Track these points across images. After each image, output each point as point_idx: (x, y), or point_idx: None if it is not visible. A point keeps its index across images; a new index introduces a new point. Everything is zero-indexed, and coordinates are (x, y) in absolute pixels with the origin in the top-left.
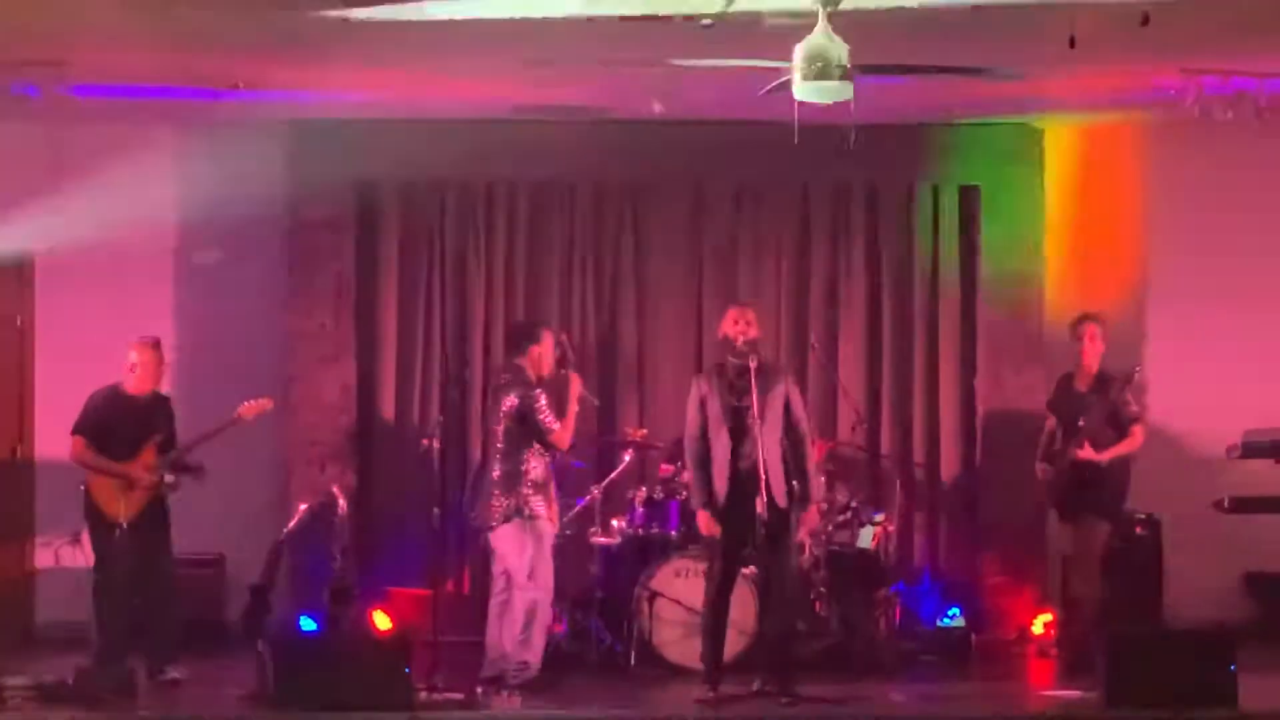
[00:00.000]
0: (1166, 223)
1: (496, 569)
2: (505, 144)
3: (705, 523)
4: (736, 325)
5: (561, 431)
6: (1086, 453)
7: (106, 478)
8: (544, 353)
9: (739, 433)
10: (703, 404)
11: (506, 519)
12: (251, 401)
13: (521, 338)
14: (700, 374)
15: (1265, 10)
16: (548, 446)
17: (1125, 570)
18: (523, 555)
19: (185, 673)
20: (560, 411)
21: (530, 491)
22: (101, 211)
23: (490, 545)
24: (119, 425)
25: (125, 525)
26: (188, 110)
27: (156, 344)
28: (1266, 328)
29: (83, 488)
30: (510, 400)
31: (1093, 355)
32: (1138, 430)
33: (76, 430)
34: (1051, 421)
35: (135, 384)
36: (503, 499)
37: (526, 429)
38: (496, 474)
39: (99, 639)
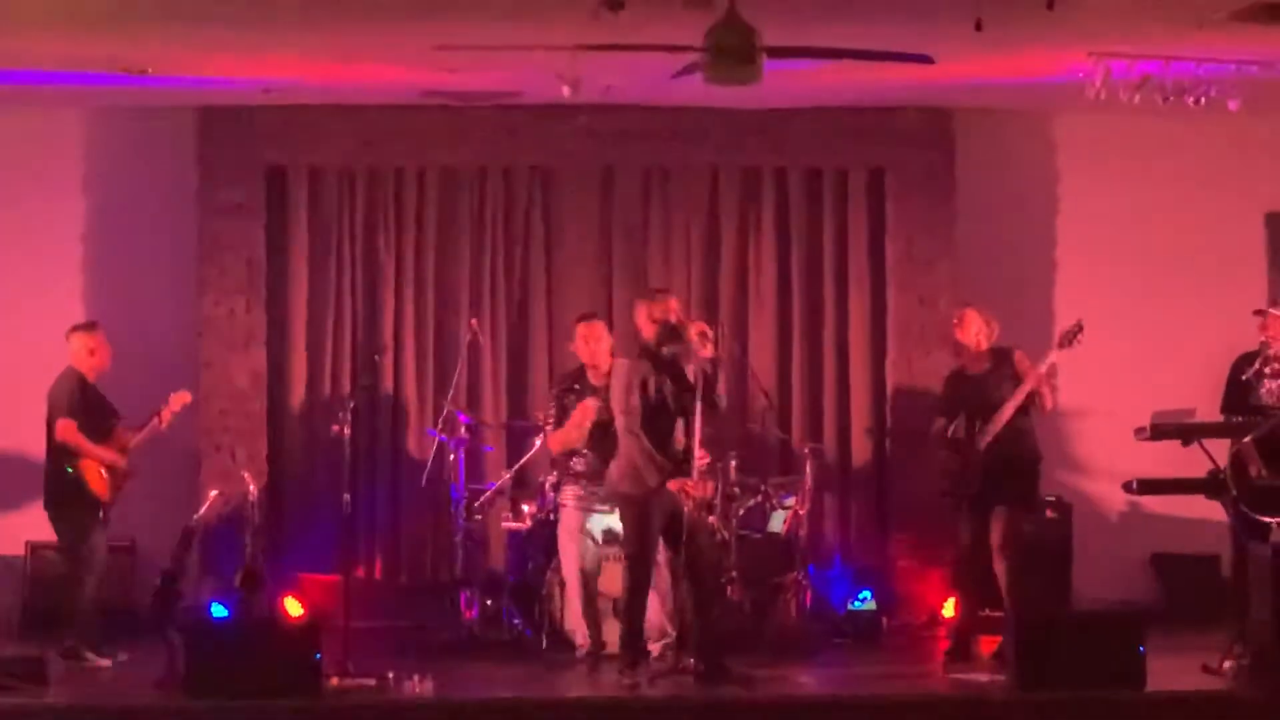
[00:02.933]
0: (1076, 206)
1: None
2: (414, 129)
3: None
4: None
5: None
6: (994, 427)
7: (93, 460)
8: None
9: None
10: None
11: None
12: (175, 395)
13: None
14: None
15: None
16: None
17: (1035, 553)
18: None
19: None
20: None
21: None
22: (8, 197)
23: None
24: (91, 409)
25: (110, 506)
26: (95, 95)
27: (94, 327)
28: (1174, 309)
29: (70, 471)
30: None
31: (980, 338)
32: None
33: (65, 414)
34: (941, 422)
35: (92, 369)
36: None
37: None
38: None
39: (77, 621)
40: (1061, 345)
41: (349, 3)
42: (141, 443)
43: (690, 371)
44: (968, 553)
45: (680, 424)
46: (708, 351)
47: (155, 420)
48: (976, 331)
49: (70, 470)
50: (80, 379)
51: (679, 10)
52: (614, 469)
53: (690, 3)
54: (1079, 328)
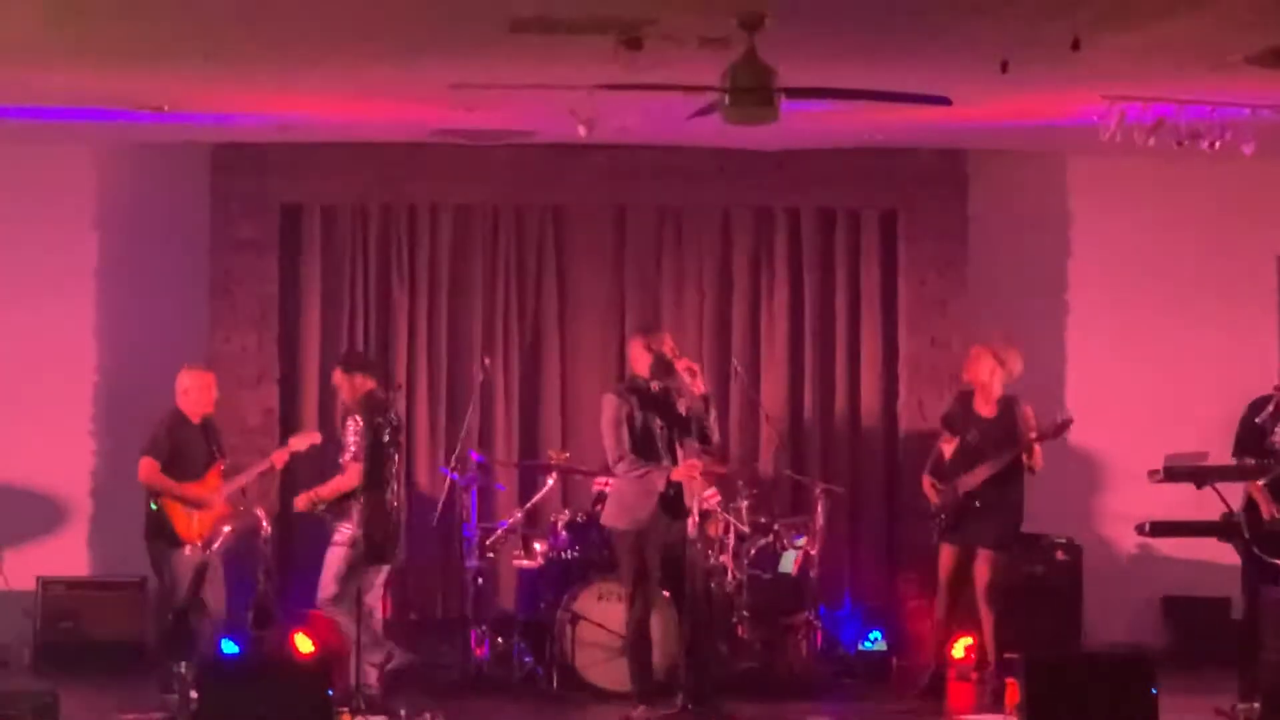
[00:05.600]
0: (1088, 248)
1: None
2: (428, 166)
3: (686, 468)
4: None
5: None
6: (974, 478)
7: (176, 499)
8: None
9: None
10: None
11: None
12: (298, 435)
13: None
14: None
15: (1190, 36)
16: None
17: (1046, 594)
18: None
19: None
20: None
21: None
22: (22, 232)
23: None
24: (186, 448)
25: (199, 545)
26: (111, 132)
27: (206, 368)
28: (1187, 351)
29: (153, 508)
30: None
31: (994, 380)
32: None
33: (146, 453)
34: (946, 439)
35: (193, 408)
36: None
37: None
38: None
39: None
40: (1045, 436)
41: (366, 40)
42: (249, 484)
43: (681, 406)
44: (943, 588)
45: (667, 459)
46: (698, 387)
47: (266, 462)
48: (990, 372)
49: (155, 507)
50: (174, 417)
51: (697, 50)
52: (606, 507)
53: (708, 42)
54: (1067, 423)
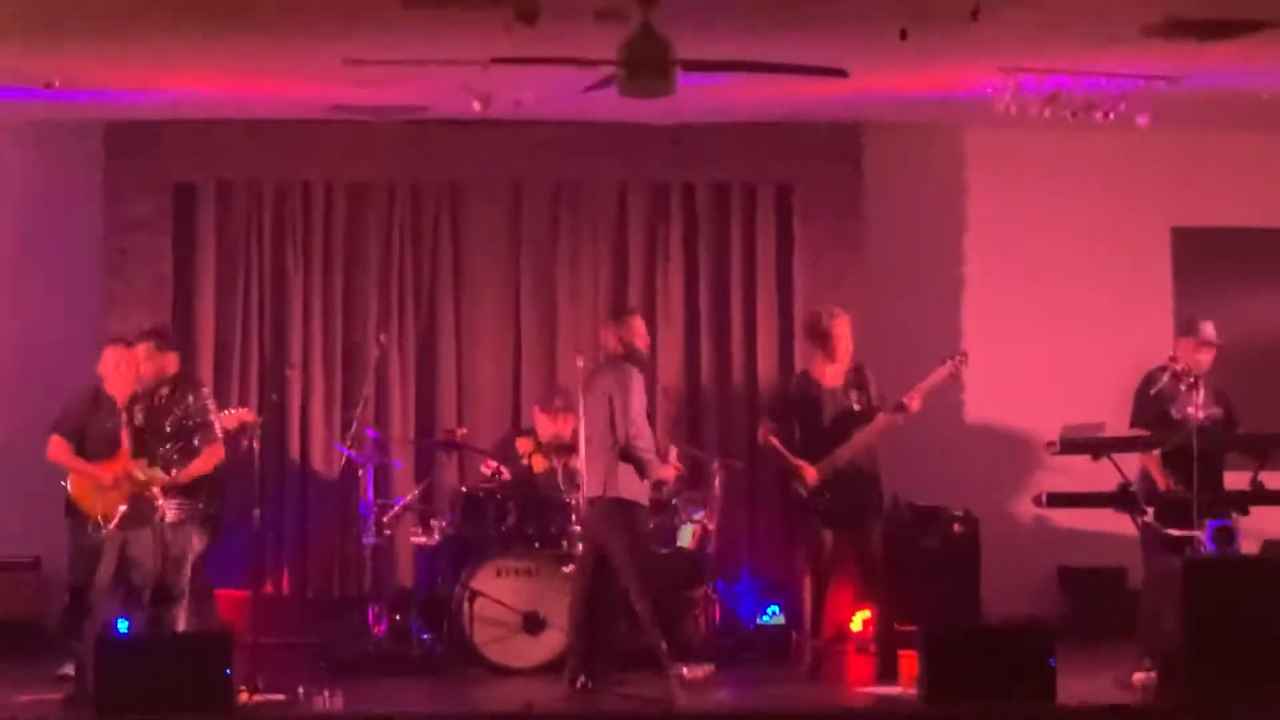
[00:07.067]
0: (983, 220)
1: None
2: (323, 144)
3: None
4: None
5: None
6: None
7: (84, 477)
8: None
9: None
10: None
11: None
12: (231, 411)
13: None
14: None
15: (1087, 8)
16: None
17: (943, 566)
18: None
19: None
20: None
21: None
22: None
23: None
24: (97, 425)
25: (104, 524)
26: (1, 110)
27: (130, 343)
28: (1082, 323)
29: (64, 485)
30: None
31: (849, 348)
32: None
33: (54, 429)
34: (769, 430)
35: (113, 385)
36: None
37: None
38: None
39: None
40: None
41: (258, 16)
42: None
43: None
44: (824, 568)
45: None
46: None
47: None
48: (848, 340)
49: (64, 484)
50: (86, 394)
51: (592, 23)
52: (620, 480)
53: (604, 16)
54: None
